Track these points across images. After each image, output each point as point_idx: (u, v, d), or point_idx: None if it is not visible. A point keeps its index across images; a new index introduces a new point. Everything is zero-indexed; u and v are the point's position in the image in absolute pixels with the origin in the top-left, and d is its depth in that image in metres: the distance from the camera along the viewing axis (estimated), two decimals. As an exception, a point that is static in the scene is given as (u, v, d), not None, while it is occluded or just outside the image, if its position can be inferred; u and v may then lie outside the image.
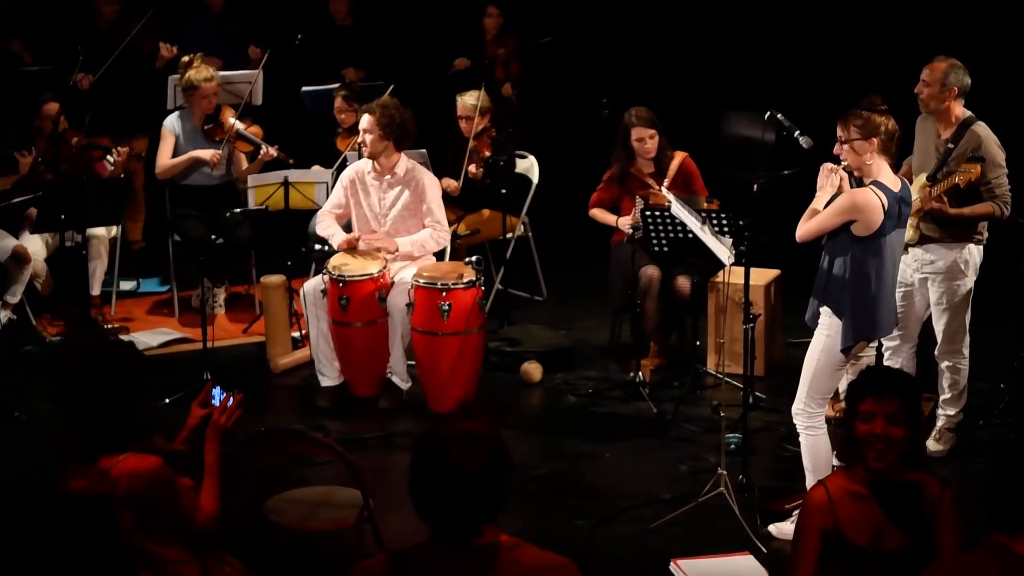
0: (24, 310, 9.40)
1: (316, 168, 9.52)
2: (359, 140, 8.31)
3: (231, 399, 4.84)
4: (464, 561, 3.54)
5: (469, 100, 9.52)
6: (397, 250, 8.20)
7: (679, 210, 7.25)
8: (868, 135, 6.02)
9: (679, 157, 8.55)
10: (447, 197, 8.83)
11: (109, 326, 9.40)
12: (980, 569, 3.76)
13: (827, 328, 6.17)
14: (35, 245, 9.24)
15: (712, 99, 11.01)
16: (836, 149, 6.14)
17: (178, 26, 10.81)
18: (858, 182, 6.20)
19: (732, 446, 7.07)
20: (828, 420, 6.33)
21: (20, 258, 9.06)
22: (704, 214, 7.30)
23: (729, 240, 7.06)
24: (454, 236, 9.03)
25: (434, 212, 8.27)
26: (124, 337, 8.66)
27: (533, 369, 8.51)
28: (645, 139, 8.44)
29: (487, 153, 9.45)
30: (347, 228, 8.45)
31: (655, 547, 6.28)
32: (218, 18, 11.17)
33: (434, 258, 8.47)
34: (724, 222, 7.61)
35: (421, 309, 7.90)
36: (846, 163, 6.10)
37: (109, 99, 9.76)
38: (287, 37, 11.03)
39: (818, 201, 6.15)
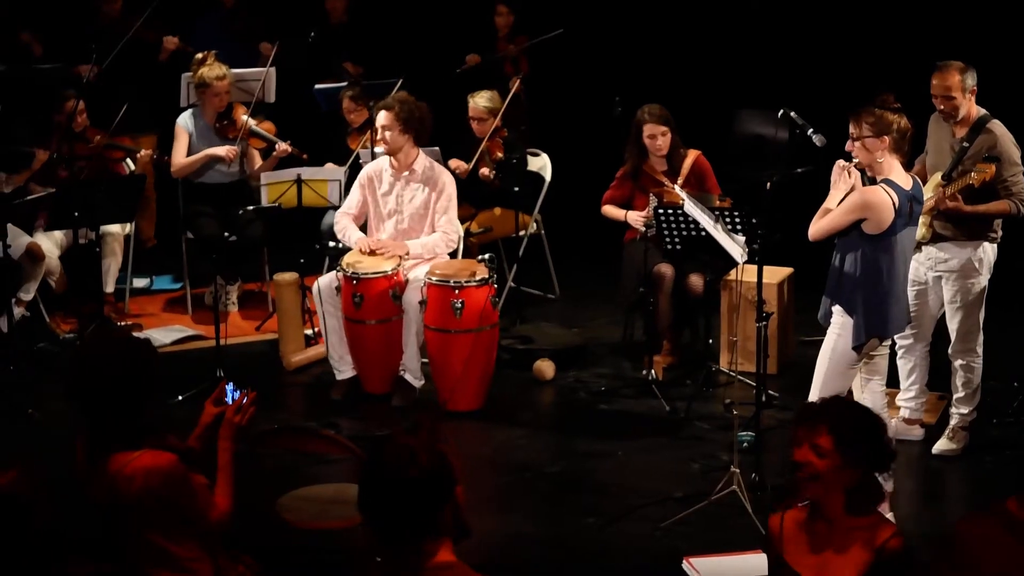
0: (38, 307, 9.43)
1: (329, 166, 9.53)
2: (378, 137, 8.30)
3: (245, 397, 4.84)
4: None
5: (481, 101, 9.50)
6: (408, 253, 8.20)
7: (692, 208, 7.24)
8: (880, 133, 6.02)
9: (692, 155, 8.54)
10: (461, 194, 8.82)
11: (123, 323, 9.42)
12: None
13: (839, 326, 6.17)
14: (49, 242, 9.26)
15: (725, 97, 11.00)
16: (848, 146, 6.15)
17: (187, 24, 10.81)
18: (871, 180, 6.19)
19: (745, 444, 7.06)
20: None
21: (34, 255, 9.08)
22: (717, 212, 7.29)
23: (742, 238, 7.05)
24: (466, 234, 9.03)
25: (448, 213, 8.28)
26: (138, 334, 8.67)
27: (546, 367, 8.51)
28: (657, 136, 8.43)
29: (499, 155, 9.44)
30: (363, 230, 8.45)
31: (668, 545, 6.28)
32: (227, 16, 11.19)
33: (447, 256, 8.47)
34: (737, 220, 7.60)
35: (434, 307, 7.90)
36: (857, 160, 6.10)
37: (115, 94, 9.76)
38: (298, 34, 11.05)
39: (831, 199, 6.15)
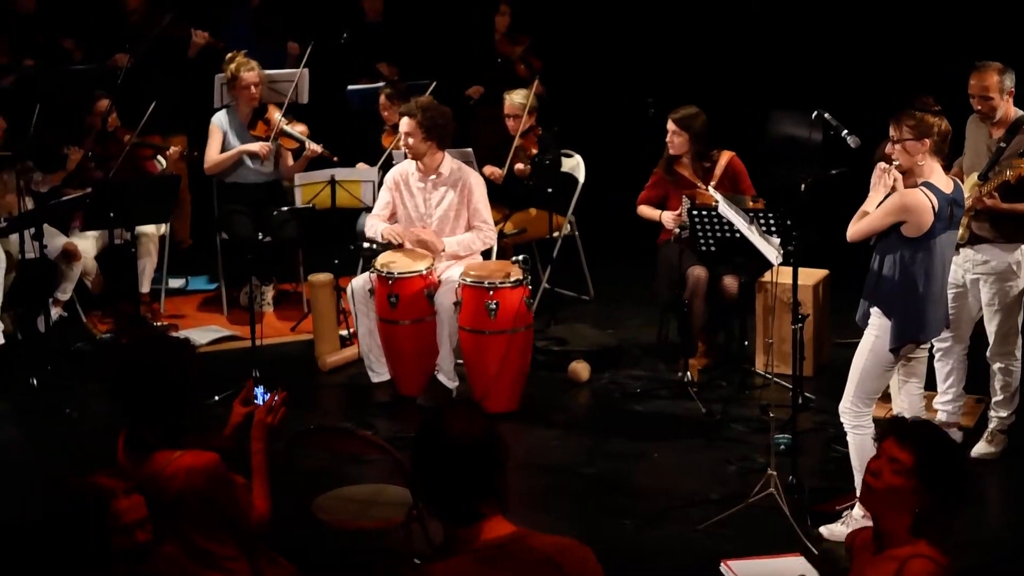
0: (75, 308, 9.48)
1: (361, 165, 9.54)
2: (400, 143, 8.32)
3: (275, 397, 4.84)
4: (481, 557, 3.57)
5: (517, 99, 9.51)
6: (443, 249, 8.21)
7: (726, 209, 7.22)
8: (921, 136, 5.99)
9: (726, 156, 8.51)
10: (494, 196, 8.84)
11: (158, 324, 9.45)
12: None
13: (876, 328, 6.15)
14: (85, 243, 9.31)
15: (759, 98, 10.97)
16: (888, 149, 6.12)
17: (215, 23, 10.83)
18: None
19: (781, 447, 7.04)
20: (875, 420, 6.30)
21: (70, 256, 9.13)
22: (751, 214, 7.27)
23: (777, 240, 7.03)
24: (500, 235, 9.03)
25: (480, 212, 8.27)
26: (175, 334, 8.70)
27: (580, 368, 8.50)
28: (671, 135, 8.43)
29: (534, 151, 9.45)
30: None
31: (704, 548, 6.26)
32: (255, 14, 11.22)
33: (481, 257, 8.47)
34: (772, 222, 7.57)
35: (468, 308, 7.90)
36: (898, 163, 6.07)
37: (145, 93, 9.81)
38: (329, 34, 11.07)
39: (870, 202, 6.12)
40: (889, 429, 4.18)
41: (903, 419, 4.33)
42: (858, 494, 5.86)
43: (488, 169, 9.32)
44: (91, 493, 4.64)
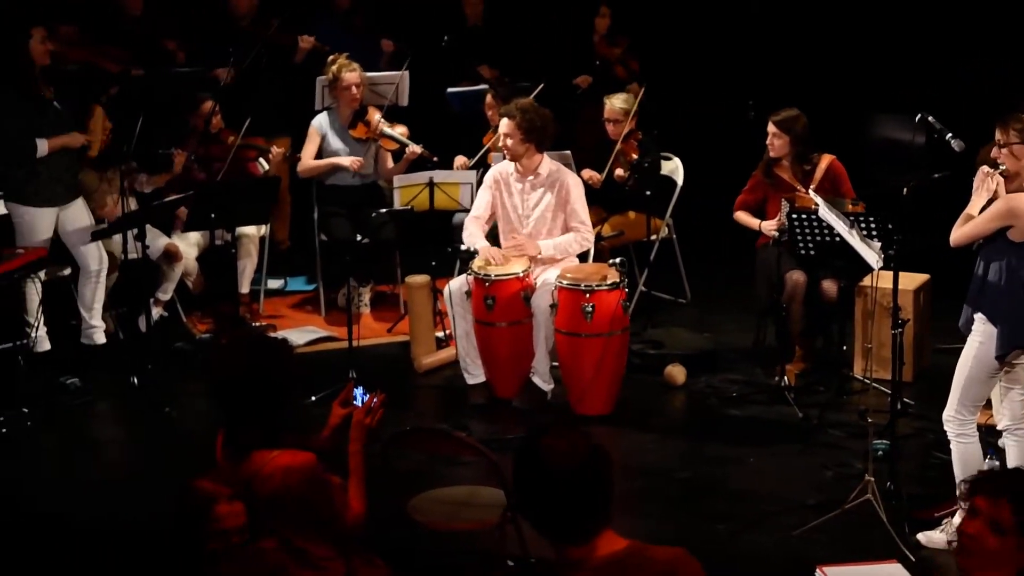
0: (175, 308, 9.59)
1: (460, 157, 9.56)
2: (499, 144, 8.34)
3: (374, 399, 4.87)
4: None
5: (618, 103, 9.48)
6: (540, 253, 8.21)
7: (827, 213, 7.16)
8: (1029, 139, 5.90)
9: (826, 159, 8.43)
10: (593, 198, 8.82)
11: (257, 324, 9.54)
12: None
13: (981, 335, 6.06)
14: (186, 243, 9.42)
15: (860, 101, 10.87)
16: (994, 153, 6.03)
17: (309, 25, 10.91)
18: None
19: (879, 452, 6.95)
20: (979, 428, 6.22)
21: (171, 256, 9.24)
22: (852, 217, 7.20)
23: (878, 244, 6.96)
24: (598, 237, 9.01)
25: (578, 213, 8.26)
26: (273, 335, 8.78)
27: (676, 372, 8.47)
28: (771, 136, 8.36)
29: (634, 156, 9.42)
30: (491, 233, 8.48)
31: (800, 553, 6.21)
32: (345, 15, 11.29)
33: (577, 259, 8.46)
34: (873, 225, 7.49)
35: (564, 310, 7.89)
36: (1004, 167, 5.98)
37: (250, 97, 9.91)
38: (430, 38, 11.12)
39: (973, 206, 6.04)
40: (976, 486, 3.94)
41: (989, 474, 4.16)
42: (958, 507, 5.74)
43: (587, 173, 9.31)
44: (194, 497, 4.68)
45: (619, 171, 9.36)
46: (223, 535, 4.64)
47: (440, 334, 8.98)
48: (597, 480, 3.57)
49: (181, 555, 4.64)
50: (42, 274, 8.62)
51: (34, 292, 8.66)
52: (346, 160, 9.55)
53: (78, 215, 8.80)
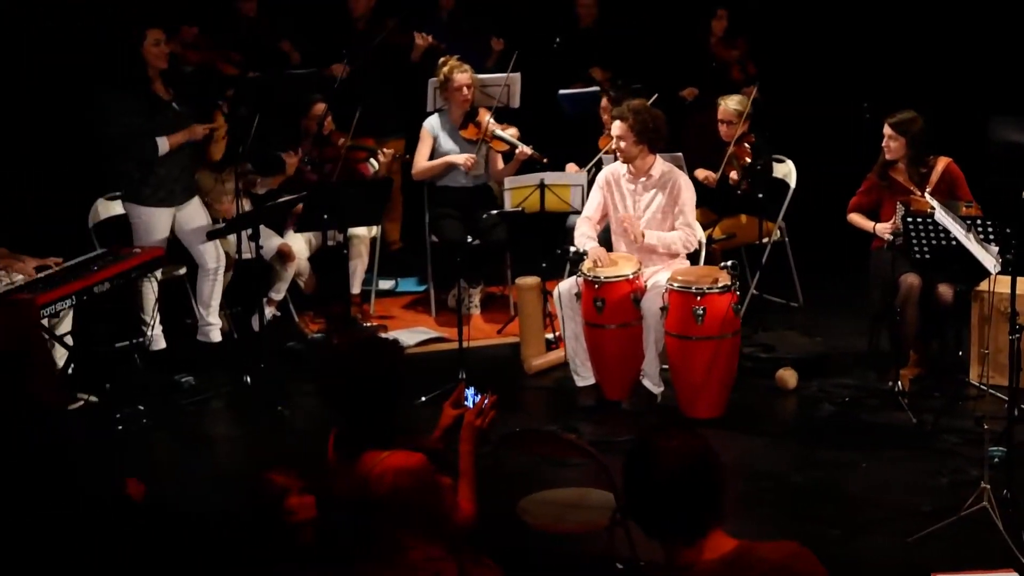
0: (288, 307, 9.68)
1: (571, 166, 9.57)
2: (612, 146, 8.32)
3: (486, 400, 4.87)
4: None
5: (732, 104, 9.42)
6: (643, 238, 8.15)
7: (943, 216, 7.06)
8: None
9: (943, 162, 8.32)
10: (703, 199, 8.76)
11: (368, 324, 9.60)
12: None
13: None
14: (299, 244, 9.51)
15: (979, 103, 10.72)
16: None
17: (421, 25, 10.95)
18: None
19: (996, 459, 6.84)
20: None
21: (284, 256, 9.33)
22: (968, 221, 7.10)
23: (995, 248, 6.85)
24: (709, 240, 8.96)
25: (685, 214, 8.22)
26: (384, 335, 8.83)
27: (788, 376, 8.40)
28: (887, 139, 8.26)
29: (747, 160, 9.35)
30: (603, 236, 8.46)
31: (914, 560, 6.12)
32: (452, 16, 11.32)
33: (688, 262, 8.42)
34: (990, 229, 7.38)
35: (675, 313, 7.86)
36: None
37: (363, 98, 9.97)
38: (542, 40, 11.12)
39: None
40: None
41: None
42: None
43: (701, 173, 9.28)
44: (267, 489, 4.73)
45: (732, 174, 9.30)
46: (294, 529, 4.68)
47: (550, 336, 8.98)
48: (708, 479, 3.55)
49: (255, 545, 4.67)
50: (158, 273, 8.75)
51: (150, 291, 8.80)
52: (460, 157, 9.59)
53: (195, 214, 8.93)
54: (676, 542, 3.57)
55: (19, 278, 7.88)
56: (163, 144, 8.57)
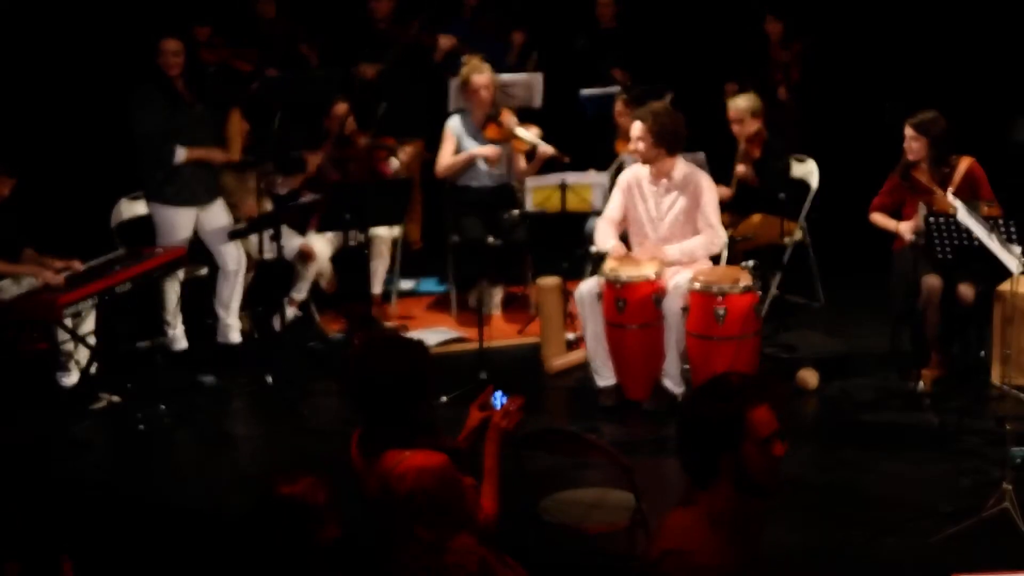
0: (309, 307, 9.70)
1: (592, 172, 9.57)
2: (631, 148, 8.32)
3: (512, 402, 4.88)
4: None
5: (740, 102, 9.42)
6: (666, 259, 8.16)
7: (966, 216, 7.05)
8: None
9: (965, 162, 8.30)
10: (723, 202, 8.75)
11: (389, 324, 9.61)
12: None
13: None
14: (320, 244, 9.52)
15: (1001, 103, 10.69)
16: None
17: (444, 26, 10.96)
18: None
19: (1018, 460, 6.83)
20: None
21: (306, 256, 9.35)
22: (991, 221, 7.08)
23: (1018, 248, 6.84)
24: (732, 241, 8.95)
25: (708, 215, 8.21)
26: (406, 335, 8.84)
27: (809, 376, 8.38)
28: (909, 139, 8.24)
29: (757, 154, 9.34)
30: (624, 236, 8.46)
31: (936, 561, 6.11)
32: (474, 14, 11.33)
33: (710, 262, 8.42)
34: (1012, 230, 7.36)
35: (696, 313, 7.86)
36: None
37: (391, 98, 9.98)
38: (563, 40, 11.12)
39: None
40: None
41: None
42: None
43: (740, 169, 9.26)
44: (289, 506, 4.66)
45: (740, 168, 9.28)
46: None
47: (570, 336, 8.98)
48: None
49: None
50: (181, 273, 8.78)
51: (173, 291, 8.84)
52: (486, 149, 9.57)
53: (218, 215, 8.95)
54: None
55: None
56: (180, 154, 8.60)
